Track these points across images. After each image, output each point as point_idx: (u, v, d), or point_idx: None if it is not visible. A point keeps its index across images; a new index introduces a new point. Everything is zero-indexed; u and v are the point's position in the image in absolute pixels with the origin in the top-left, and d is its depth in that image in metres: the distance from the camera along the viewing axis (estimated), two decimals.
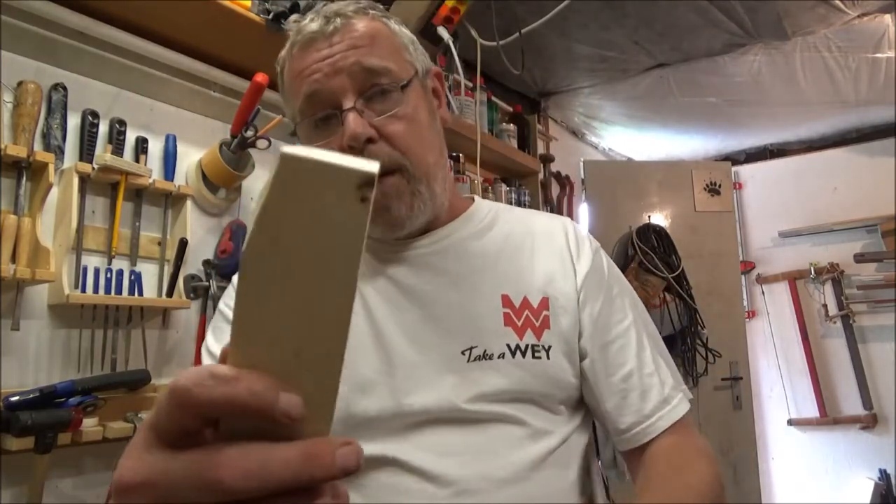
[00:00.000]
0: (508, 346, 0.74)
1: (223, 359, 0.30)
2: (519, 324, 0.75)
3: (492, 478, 0.69)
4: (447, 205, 0.83)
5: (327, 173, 0.26)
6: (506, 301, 0.76)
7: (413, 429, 0.72)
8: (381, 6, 0.83)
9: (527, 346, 0.74)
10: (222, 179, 1.62)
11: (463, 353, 0.74)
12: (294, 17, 0.82)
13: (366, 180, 0.26)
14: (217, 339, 0.84)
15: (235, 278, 0.88)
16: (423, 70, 0.82)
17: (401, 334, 0.76)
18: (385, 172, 0.72)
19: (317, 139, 0.76)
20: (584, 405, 0.79)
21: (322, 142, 0.75)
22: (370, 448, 0.72)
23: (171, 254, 1.52)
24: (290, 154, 0.26)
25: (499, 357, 0.73)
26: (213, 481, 0.27)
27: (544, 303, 0.77)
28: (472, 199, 0.90)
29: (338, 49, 0.74)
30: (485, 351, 0.74)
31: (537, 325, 0.76)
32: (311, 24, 0.76)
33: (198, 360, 1.58)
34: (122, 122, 1.47)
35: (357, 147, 0.71)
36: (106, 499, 0.47)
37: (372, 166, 0.26)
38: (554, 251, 0.82)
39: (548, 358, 0.74)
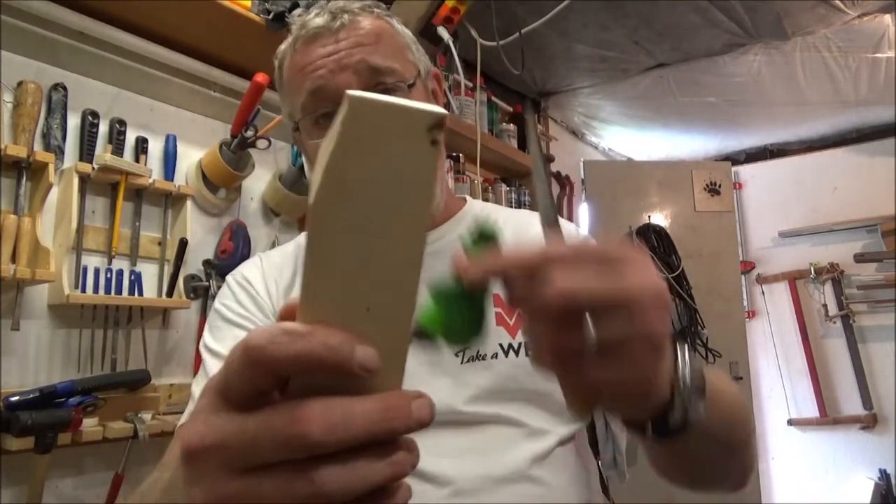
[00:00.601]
0: (501, 345, 0.74)
1: (286, 316, 0.29)
2: (511, 322, 0.75)
3: (489, 477, 0.69)
4: (442, 206, 0.83)
5: (397, 115, 0.25)
6: (496, 300, 0.76)
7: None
8: (384, 6, 0.83)
9: (519, 345, 0.74)
10: (222, 179, 1.62)
11: (456, 354, 0.74)
12: (298, 10, 0.82)
13: (436, 122, 0.25)
14: (216, 339, 0.83)
15: (230, 278, 0.88)
16: (424, 71, 0.82)
17: None
18: None
19: (318, 136, 0.75)
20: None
21: (322, 139, 0.75)
22: None
23: (171, 254, 1.52)
24: (358, 96, 0.25)
25: (492, 357, 0.73)
26: (296, 435, 0.26)
27: None
28: (465, 200, 0.90)
29: (344, 46, 0.73)
30: (478, 352, 0.74)
31: None
32: (317, 19, 0.75)
33: (197, 360, 1.58)
34: (122, 122, 1.47)
35: None
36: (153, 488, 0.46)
37: (441, 110, 0.26)
38: None
39: None
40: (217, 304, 0.86)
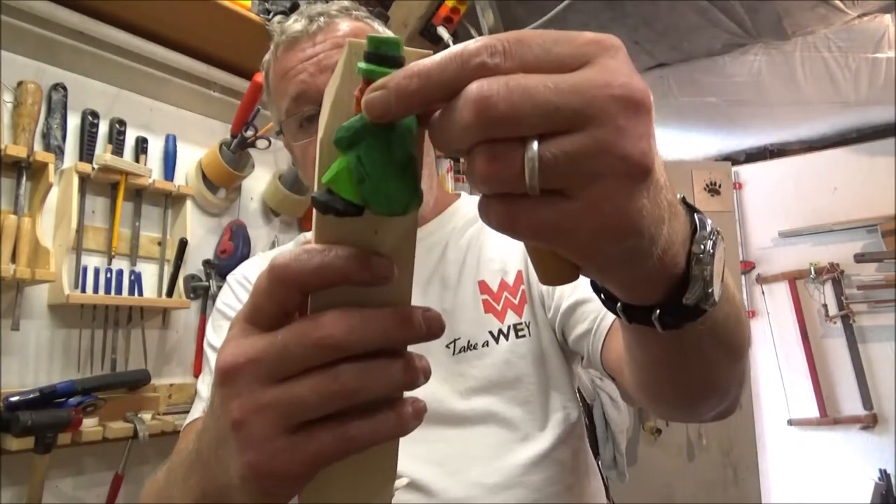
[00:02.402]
0: (491, 332, 0.74)
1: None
2: (499, 307, 0.75)
3: (482, 485, 0.68)
4: (432, 203, 0.83)
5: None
6: (483, 288, 0.76)
7: None
8: (364, 9, 0.83)
9: (509, 328, 0.74)
10: (222, 179, 1.62)
11: (447, 346, 0.74)
12: (277, 18, 0.82)
13: (415, 56, 0.29)
14: (220, 336, 0.84)
15: (230, 277, 0.88)
16: None
17: None
18: None
19: (302, 137, 0.76)
20: (576, 400, 0.78)
21: (307, 140, 0.75)
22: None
23: (171, 254, 1.52)
24: (356, 41, 0.29)
25: (483, 346, 0.73)
26: (321, 338, 0.29)
27: (520, 277, 0.76)
28: (459, 196, 0.90)
29: (321, 48, 0.75)
30: (469, 342, 0.74)
31: (516, 302, 0.75)
32: (295, 24, 0.77)
33: (198, 360, 1.58)
34: (122, 122, 1.47)
35: None
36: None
37: (420, 49, 0.29)
38: None
39: (530, 335, 0.74)
40: (219, 303, 0.87)
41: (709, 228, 0.36)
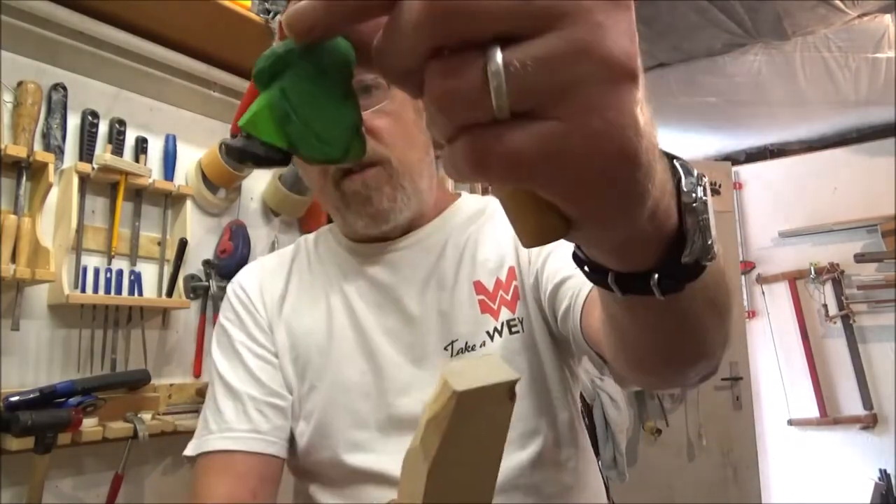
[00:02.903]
0: (487, 332, 0.73)
1: None
2: (494, 306, 0.74)
3: None
4: (433, 202, 0.82)
5: (489, 394, 0.30)
6: (479, 288, 0.75)
7: (401, 432, 0.72)
8: None
9: (503, 325, 0.73)
10: (222, 179, 1.62)
11: (445, 348, 0.73)
12: (280, 16, 0.81)
13: (514, 386, 0.30)
14: (231, 367, 0.79)
15: (229, 288, 0.87)
16: None
17: (383, 336, 0.76)
18: (366, 164, 0.72)
19: None
20: (571, 398, 0.77)
21: None
22: (358, 459, 0.72)
23: (170, 254, 1.52)
24: (466, 392, 0.28)
25: (481, 346, 0.73)
26: None
27: (512, 273, 0.76)
28: (459, 195, 0.89)
29: None
30: (466, 343, 0.73)
31: (509, 298, 0.75)
32: None
33: (198, 360, 1.58)
34: (122, 122, 1.47)
35: None
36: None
37: (515, 375, 0.30)
38: None
39: (523, 330, 0.73)
40: (221, 316, 0.85)
41: (695, 173, 0.31)
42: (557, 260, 0.69)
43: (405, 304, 0.76)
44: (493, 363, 0.30)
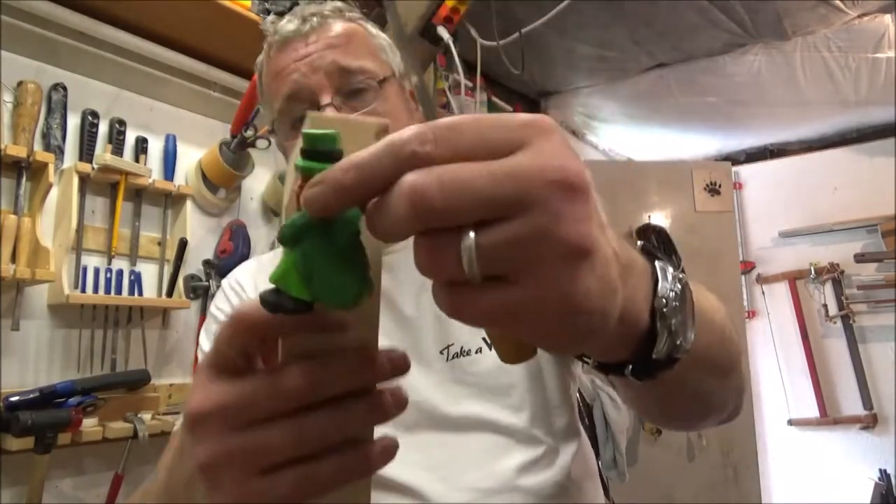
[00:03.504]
0: (484, 339, 0.73)
1: None
2: None
3: (477, 489, 0.68)
4: None
5: (349, 127, 0.30)
6: None
7: (400, 433, 0.71)
8: (358, 10, 0.83)
9: None
10: (222, 179, 1.62)
11: (441, 352, 0.73)
12: (270, 18, 0.82)
13: (381, 128, 0.30)
14: (211, 341, 0.83)
15: (224, 282, 0.88)
16: (399, 72, 0.82)
17: (380, 337, 0.76)
18: None
19: (294, 137, 0.76)
20: (571, 403, 0.77)
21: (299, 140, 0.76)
22: None
23: (170, 254, 1.52)
24: (318, 115, 0.31)
25: (476, 352, 0.73)
26: (290, 388, 0.30)
27: None
28: None
29: (314, 49, 0.75)
30: (462, 348, 0.73)
31: None
32: (288, 25, 0.77)
33: (197, 361, 1.58)
34: (122, 122, 1.47)
35: None
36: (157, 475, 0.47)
37: (384, 120, 0.31)
38: None
39: None
40: (212, 307, 0.87)
41: (670, 277, 0.35)
42: None
43: (401, 308, 0.76)
44: (366, 117, 0.31)
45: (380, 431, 0.76)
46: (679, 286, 0.35)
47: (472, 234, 0.25)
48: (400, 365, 0.32)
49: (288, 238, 0.29)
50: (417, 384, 0.73)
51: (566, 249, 0.26)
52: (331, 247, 0.28)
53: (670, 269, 0.36)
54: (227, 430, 0.30)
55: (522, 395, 0.72)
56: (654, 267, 0.35)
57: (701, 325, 0.39)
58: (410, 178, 0.25)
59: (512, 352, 0.32)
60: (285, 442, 0.30)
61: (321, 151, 0.28)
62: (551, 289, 0.26)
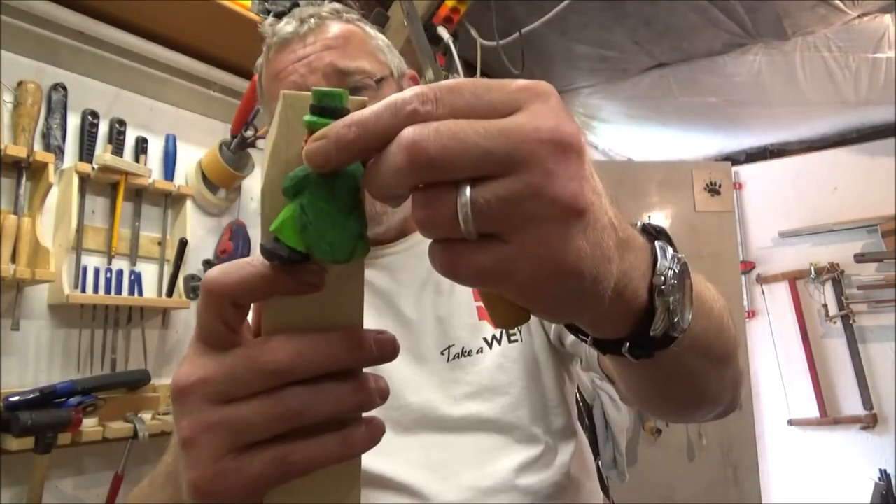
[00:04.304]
0: (485, 339, 0.74)
1: None
2: None
3: (476, 488, 0.68)
4: None
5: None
6: (477, 295, 0.75)
7: (400, 434, 0.72)
8: (355, 12, 0.84)
9: (501, 333, 0.74)
10: (222, 179, 1.62)
11: (442, 353, 0.74)
12: (269, 20, 0.83)
13: (357, 105, 0.30)
14: None
15: None
16: (398, 72, 0.83)
17: None
18: None
19: None
20: (568, 404, 0.77)
21: None
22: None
23: (171, 254, 1.52)
24: (290, 93, 0.30)
25: (477, 352, 0.73)
26: (269, 362, 0.30)
27: None
28: None
29: (311, 50, 0.76)
30: (463, 348, 0.74)
31: None
32: (286, 26, 0.78)
33: None
34: (122, 122, 1.47)
35: None
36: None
37: (362, 98, 0.30)
38: None
39: (522, 340, 0.74)
40: None
41: (669, 256, 0.36)
42: None
43: (402, 309, 0.77)
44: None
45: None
46: (678, 265, 0.36)
47: (468, 190, 0.26)
48: (387, 348, 0.32)
49: (289, 189, 0.29)
50: (418, 385, 0.73)
51: (558, 208, 0.26)
52: (330, 201, 0.29)
53: (670, 249, 0.36)
54: (209, 403, 0.30)
55: (521, 393, 0.72)
56: (653, 245, 0.36)
57: (699, 310, 0.39)
58: (409, 131, 0.26)
59: (504, 315, 0.32)
60: (264, 417, 0.29)
61: (327, 108, 0.29)
62: (543, 247, 0.26)
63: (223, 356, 0.31)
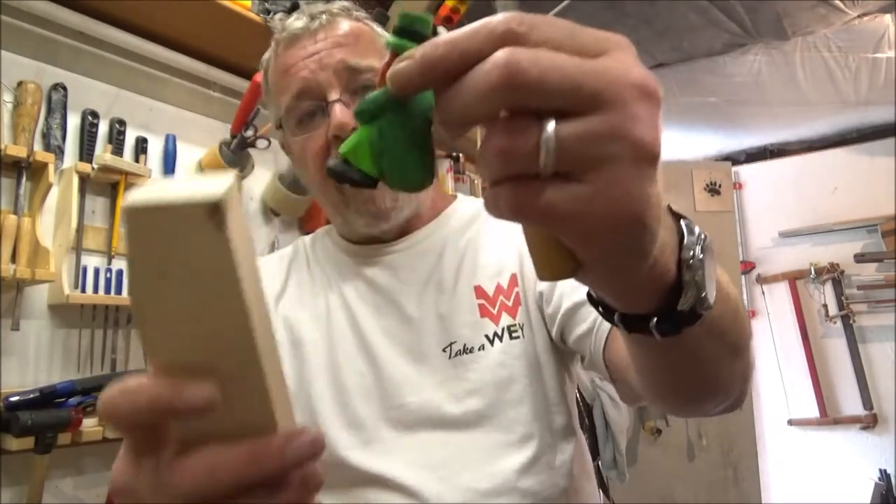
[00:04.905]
0: (487, 336, 0.73)
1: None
2: (494, 311, 0.75)
3: (475, 489, 0.68)
4: (429, 203, 0.83)
5: (172, 215, 0.25)
6: (479, 292, 0.76)
7: (400, 432, 0.72)
8: (363, 11, 0.84)
9: (503, 330, 0.74)
10: None
11: (444, 350, 0.74)
12: (279, 15, 0.83)
13: (211, 210, 0.24)
14: None
15: None
16: None
17: (382, 336, 0.76)
18: None
19: (301, 133, 0.77)
20: (568, 403, 0.76)
21: (307, 135, 0.76)
22: (357, 459, 0.72)
23: None
24: (133, 206, 0.25)
25: (479, 349, 0.73)
26: (170, 486, 0.29)
27: (514, 279, 0.76)
28: (455, 197, 0.90)
29: (322, 46, 0.75)
30: (465, 345, 0.73)
31: (510, 304, 0.75)
32: (296, 22, 0.78)
33: None
34: (122, 122, 1.47)
35: (343, 137, 0.71)
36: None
37: (217, 189, 0.24)
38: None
39: (524, 336, 0.74)
40: None
41: (696, 233, 0.36)
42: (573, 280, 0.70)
43: (404, 306, 0.77)
44: (217, 181, 0.25)
45: (375, 436, 0.75)
46: (704, 242, 0.36)
47: (552, 123, 0.25)
48: (305, 454, 0.29)
49: (365, 112, 0.28)
50: (419, 383, 0.73)
51: (639, 151, 0.26)
52: (405, 129, 0.28)
53: (696, 227, 0.36)
54: None
55: (523, 390, 0.72)
56: (678, 224, 0.36)
57: (718, 292, 0.39)
58: (508, 51, 0.25)
59: (553, 265, 0.31)
60: None
61: (414, 31, 0.28)
62: (618, 189, 0.26)
63: (138, 465, 0.30)
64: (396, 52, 0.28)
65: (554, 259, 0.30)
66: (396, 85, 0.27)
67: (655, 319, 0.36)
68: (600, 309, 0.39)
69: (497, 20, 0.26)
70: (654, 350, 0.42)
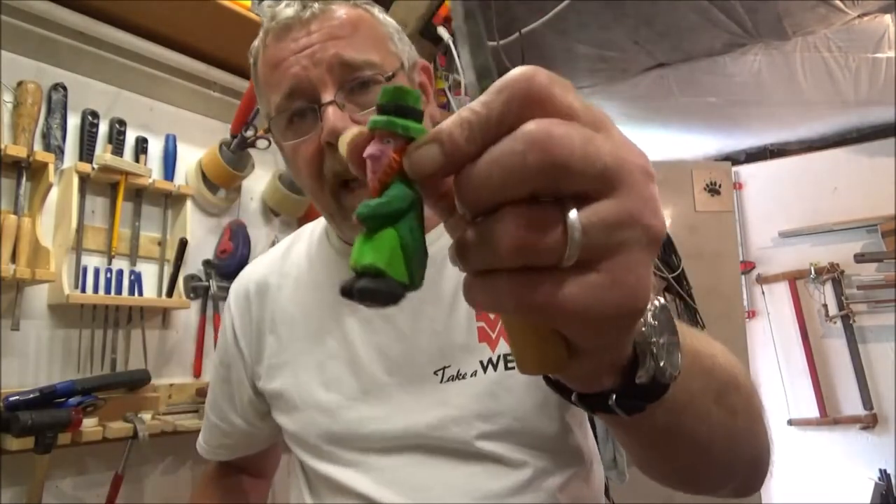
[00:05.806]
0: (481, 362, 0.69)
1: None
2: (493, 335, 0.70)
3: None
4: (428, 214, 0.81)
5: None
6: (484, 315, 0.70)
7: (385, 455, 0.70)
8: None
9: (499, 358, 0.69)
10: (222, 179, 1.62)
11: (436, 373, 0.70)
12: (267, 3, 0.77)
13: None
14: (218, 378, 0.89)
15: (230, 297, 0.88)
16: (409, 62, 0.75)
17: (374, 355, 0.73)
18: None
19: (291, 136, 0.71)
20: (572, 428, 0.71)
21: (298, 139, 0.70)
22: (341, 475, 0.71)
23: (171, 254, 1.52)
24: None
25: (471, 376, 0.69)
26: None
27: None
28: None
29: (316, 38, 0.68)
30: (458, 371, 0.69)
31: None
32: (287, 9, 0.70)
33: (198, 361, 1.58)
34: (122, 122, 1.47)
35: (335, 143, 0.65)
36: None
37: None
38: None
39: None
40: (225, 317, 0.88)
41: (653, 301, 0.33)
42: None
43: (397, 322, 0.72)
44: None
45: (364, 455, 0.74)
46: (658, 304, 0.33)
47: (574, 211, 0.23)
48: None
49: (391, 215, 0.24)
50: (408, 405, 0.70)
51: (651, 236, 0.25)
52: (418, 225, 0.25)
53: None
54: None
55: (511, 421, 0.68)
56: None
57: (695, 366, 0.36)
58: (547, 123, 0.23)
59: (545, 356, 0.27)
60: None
61: (406, 108, 0.25)
62: (631, 276, 0.24)
63: None
64: (387, 134, 0.24)
65: (548, 351, 0.27)
66: (422, 173, 0.24)
67: (614, 396, 0.33)
68: (552, 388, 0.36)
69: (525, 75, 0.24)
70: (629, 428, 0.38)
